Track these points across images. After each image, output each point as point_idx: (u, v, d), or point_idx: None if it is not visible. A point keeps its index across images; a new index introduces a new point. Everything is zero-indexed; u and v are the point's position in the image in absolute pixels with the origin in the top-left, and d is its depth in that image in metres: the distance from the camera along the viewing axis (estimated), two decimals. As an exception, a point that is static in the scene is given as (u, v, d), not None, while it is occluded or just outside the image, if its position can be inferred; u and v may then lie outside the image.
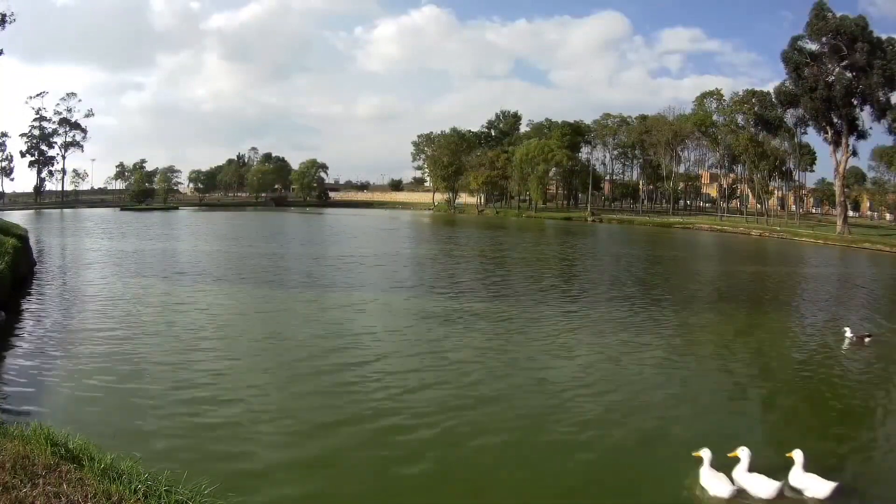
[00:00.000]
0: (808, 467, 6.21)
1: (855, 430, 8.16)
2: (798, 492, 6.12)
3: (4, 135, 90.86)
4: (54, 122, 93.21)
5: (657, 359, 11.23)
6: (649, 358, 11.25)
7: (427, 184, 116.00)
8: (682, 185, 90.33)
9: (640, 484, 6.39)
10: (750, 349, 12.46)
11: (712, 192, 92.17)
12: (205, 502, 4.66)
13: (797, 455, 6.24)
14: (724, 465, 6.27)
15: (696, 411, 8.67)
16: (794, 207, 74.42)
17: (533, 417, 8.11)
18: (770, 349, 12.45)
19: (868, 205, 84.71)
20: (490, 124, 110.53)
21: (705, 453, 6.27)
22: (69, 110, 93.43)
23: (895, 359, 11.79)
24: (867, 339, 12.55)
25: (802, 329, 14.86)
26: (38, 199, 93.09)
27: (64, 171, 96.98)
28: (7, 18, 45.29)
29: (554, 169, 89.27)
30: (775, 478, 6.11)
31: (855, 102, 53.04)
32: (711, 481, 6.12)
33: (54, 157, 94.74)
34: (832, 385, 10.05)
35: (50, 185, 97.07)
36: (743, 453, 6.26)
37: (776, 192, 79.63)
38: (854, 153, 56.04)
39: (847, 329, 12.92)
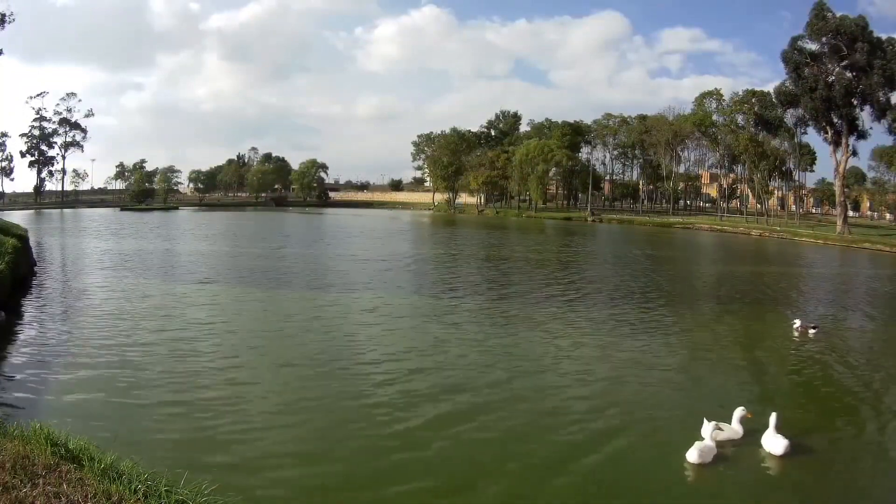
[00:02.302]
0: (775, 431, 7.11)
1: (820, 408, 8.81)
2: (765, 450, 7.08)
3: (4, 135, 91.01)
4: (54, 122, 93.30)
5: (658, 355, 11.30)
6: (652, 355, 11.33)
7: (427, 184, 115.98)
8: (682, 185, 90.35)
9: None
10: (746, 345, 12.60)
11: (712, 192, 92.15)
12: (205, 502, 4.66)
13: (772, 418, 7.15)
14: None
15: (690, 403, 8.71)
16: (794, 207, 74.42)
17: (539, 416, 8.15)
18: (764, 345, 12.57)
19: (868, 205, 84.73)
20: (490, 124, 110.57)
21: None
22: (69, 110, 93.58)
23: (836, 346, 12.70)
24: (812, 332, 13.26)
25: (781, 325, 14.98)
26: (38, 199, 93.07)
27: (64, 171, 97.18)
28: (7, 18, 45.35)
29: (554, 169, 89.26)
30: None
31: (855, 102, 53.03)
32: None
33: (54, 157, 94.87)
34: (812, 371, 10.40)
35: (50, 185, 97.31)
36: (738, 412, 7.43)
37: (776, 192, 79.64)
38: (854, 153, 56.15)
39: (797, 321, 13.77)
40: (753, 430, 7.36)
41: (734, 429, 7.38)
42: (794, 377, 10.60)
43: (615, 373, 10.25)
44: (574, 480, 6.42)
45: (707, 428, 7.13)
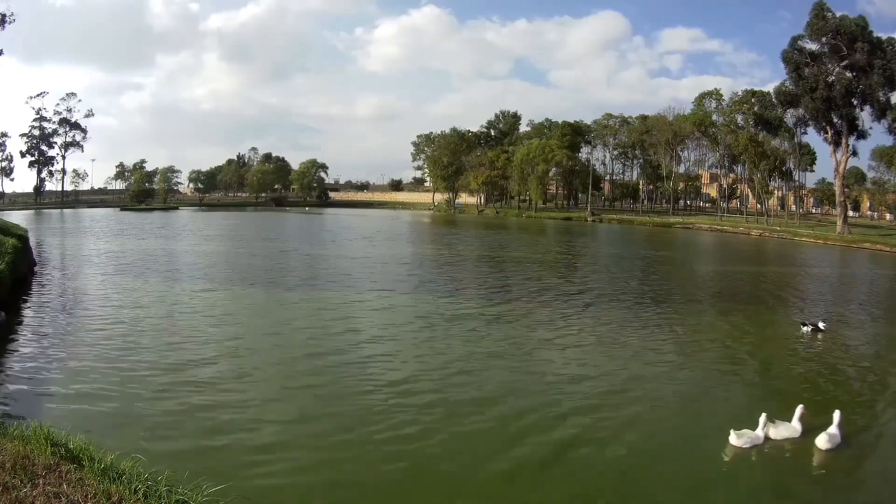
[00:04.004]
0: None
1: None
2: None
3: (4, 135, 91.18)
4: (54, 122, 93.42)
5: (667, 356, 11.32)
6: (660, 355, 11.34)
7: (427, 184, 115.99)
8: (682, 185, 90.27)
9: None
10: (771, 347, 12.61)
11: (712, 192, 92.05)
12: (205, 502, 4.65)
13: (836, 414, 7.39)
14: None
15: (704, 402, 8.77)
16: (794, 207, 74.33)
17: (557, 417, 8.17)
18: (769, 344, 12.57)
19: (868, 205, 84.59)
20: (490, 124, 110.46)
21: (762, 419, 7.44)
22: (69, 110, 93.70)
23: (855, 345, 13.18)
24: (804, 328, 13.53)
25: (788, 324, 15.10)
26: (38, 199, 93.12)
27: (64, 171, 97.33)
28: (7, 18, 45.22)
29: (554, 169, 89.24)
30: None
31: (855, 102, 52.90)
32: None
33: (54, 157, 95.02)
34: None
35: (50, 186, 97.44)
36: (799, 409, 7.60)
37: (776, 192, 79.50)
38: (854, 153, 55.89)
39: (821, 323, 13.89)
40: (816, 427, 7.49)
41: (792, 426, 7.50)
42: (823, 375, 10.64)
43: (651, 385, 9.74)
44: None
45: (762, 420, 7.41)
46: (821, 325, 13.62)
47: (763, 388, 9.94)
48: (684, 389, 9.56)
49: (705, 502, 6.18)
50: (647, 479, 6.49)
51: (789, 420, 7.60)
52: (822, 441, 7.17)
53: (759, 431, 7.31)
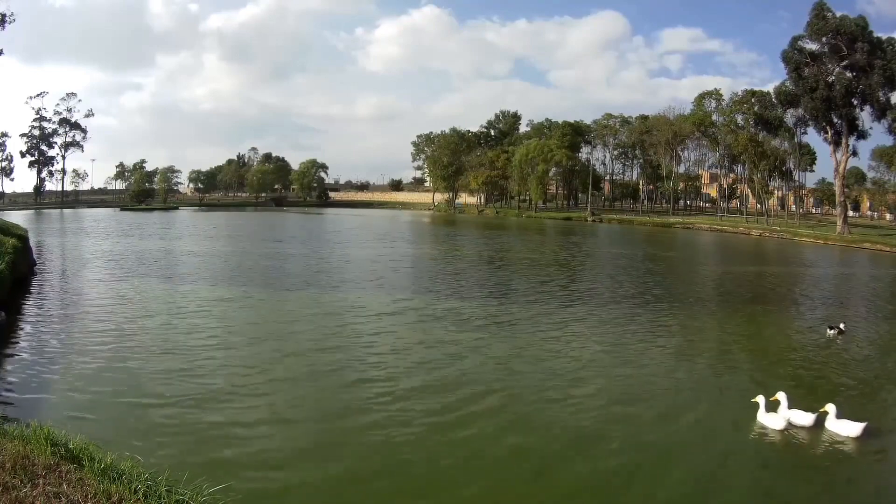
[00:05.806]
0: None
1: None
2: (835, 434, 7.72)
3: (4, 135, 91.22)
4: (54, 122, 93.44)
5: (699, 363, 11.25)
6: (692, 362, 11.28)
7: (427, 184, 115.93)
8: (682, 185, 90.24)
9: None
10: (783, 349, 12.64)
11: (712, 192, 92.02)
12: (205, 502, 4.65)
13: (830, 407, 7.84)
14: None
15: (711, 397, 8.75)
16: (794, 207, 74.32)
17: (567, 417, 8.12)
18: (802, 347, 12.73)
19: (868, 205, 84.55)
20: (490, 124, 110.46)
21: (760, 399, 8.05)
22: (69, 110, 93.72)
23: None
24: (830, 332, 13.71)
25: (800, 325, 15.15)
26: (38, 199, 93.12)
27: (64, 171, 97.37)
28: (7, 18, 45.16)
29: (554, 169, 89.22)
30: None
31: (855, 102, 52.90)
32: (767, 419, 7.94)
33: (54, 157, 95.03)
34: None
35: (50, 186, 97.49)
36: (781, 396, 8.06)
37: (776, 192, 79.47)
38: (854, 153, 55.88)
39: (842, 325, 14.16)
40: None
41: (806, 414, 7.97)
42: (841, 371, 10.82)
43: (691, 392, 9.54)
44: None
45: (762, 401, 8.01)
46: (842, 326, 13.91)
47: (816, 391, 9.44)
48: (728, 397, 9.31)
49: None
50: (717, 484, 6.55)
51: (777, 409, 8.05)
52: (851, 430, 7.56)
53: (762, 411, 7.95)
